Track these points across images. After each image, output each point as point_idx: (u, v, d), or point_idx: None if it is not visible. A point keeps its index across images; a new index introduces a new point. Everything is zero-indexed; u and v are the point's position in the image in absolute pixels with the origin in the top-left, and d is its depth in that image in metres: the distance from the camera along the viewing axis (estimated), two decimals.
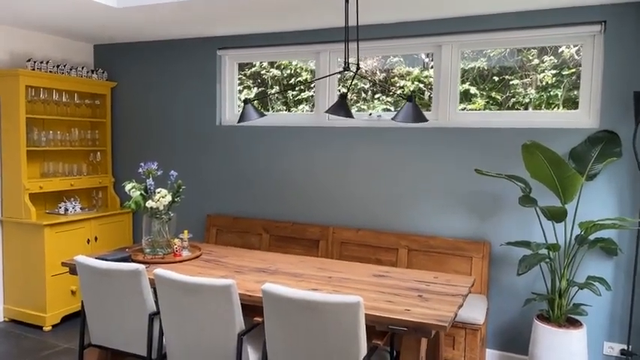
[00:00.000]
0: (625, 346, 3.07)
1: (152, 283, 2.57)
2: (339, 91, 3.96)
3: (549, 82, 3.88)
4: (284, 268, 2.99)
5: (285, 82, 4.87)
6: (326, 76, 3.38)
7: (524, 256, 2.89)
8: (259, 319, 2.42)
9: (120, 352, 2.68)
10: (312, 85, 4.59)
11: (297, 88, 4.76)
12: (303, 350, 2.20)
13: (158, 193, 3.15)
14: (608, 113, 3.05)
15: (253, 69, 4.67)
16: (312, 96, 4.68)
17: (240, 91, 4.51)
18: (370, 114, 3.76)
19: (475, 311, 3.01)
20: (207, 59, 4.27)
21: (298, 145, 3.98)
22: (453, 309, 2.31)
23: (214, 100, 4.29)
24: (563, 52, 3.83)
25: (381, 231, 3.63)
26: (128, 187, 3.20)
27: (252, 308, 2.47)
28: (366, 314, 2.15)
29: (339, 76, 3.94)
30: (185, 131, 4.41)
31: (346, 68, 2.85)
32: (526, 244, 3.03)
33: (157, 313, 2.55)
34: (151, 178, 3.21)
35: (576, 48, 3.77)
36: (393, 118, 2.62)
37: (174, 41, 4.38)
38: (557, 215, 2.81)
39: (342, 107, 2.97)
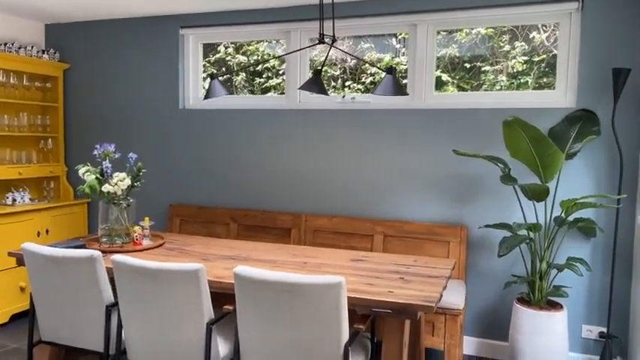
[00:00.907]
0: (603, 329, 3.02)
1: (109, 272, 2.33)
2: (311, 75, 3.79)
3: (520, 69, 3.83)
4: (255, 255, 2.80)
5: (251, 69, 4.66)
6: (299, 50, 3.20)
7: (505, 238, 2.80)
8: (230, 307, 2.23)
9: (74, 349, 2.42)
10: (280, 72, 4.41)
11: (264, 75, 4.56)
12: (280, 338, 2.02)
13: (116, 176, 2.90)
14: (585, 92, 3.01)
15: (218, 55, 4.45)
16: (279, 83, 4.49)
17: (205, 79, 4.28)
18: (344, 96, 3.61)
19: (454, 296, 2.90)
20: (168, 39, 4.02)
21: (268, 129, 3.78)
22: (438, 289, 2.19)
23: (177, 82, 4.05)
24: (534, 37, 3.79)
25: (355, 217, 3.48)
26: (82, 170, 2.93)
27: (220, 297, 2.26)
28: (347, 297, 1.99)
29: (309, 62, 3.77)
30: (145, 116, 4.14)
31: (321, 41, 2.69)
32: (505, 226, 2.94)
33: (115, 304, 2.32)
34: (107, 161, 2.95)
35: (546, 34, 3.74)
36: (372, 92, 2.48)
37: (133, 20, 4.11)
38: (538, 194, 2.73)
39: (315, 84, 2.81)
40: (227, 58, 4.50)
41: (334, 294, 1.91)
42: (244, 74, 4.43)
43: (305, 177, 3.68)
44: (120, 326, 2.30)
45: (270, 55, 4.46)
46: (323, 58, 4.08)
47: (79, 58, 4.31)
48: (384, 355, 2.17)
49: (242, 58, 4.63)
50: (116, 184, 2.86)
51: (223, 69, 4.43)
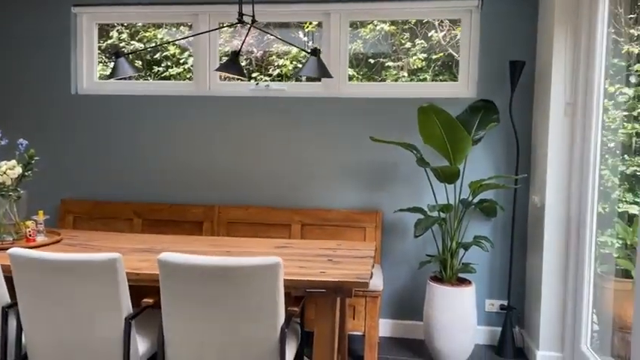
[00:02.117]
0: (503, 302, 3.28)
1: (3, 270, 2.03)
2: (221, 59, 3.66)
3: (419, 65, 4.06)
4: (171, 247, 2.60)
5: (149, 58, 4.39)
6: (215, 30, 3.07)
7: (420, 220, 2.92)
8: (149, 301, 2.05)
9: None
10: (181, 62, 4.20)
11: (162, 64, 4.33)
12: (212, 326, 1.90)
13: (4, 164, 2.54)
14: (484, 83, 3.25)
15: (110, 41, 4.12)
16: (180, 73, 4.27)
17: (100, 62, 3.94)
18: (257, 83, 3.52)
19: (374, 278, 2.96)
20: (59, 17, 3.63)
21: (174, 116, 3.57)
22: (368, 268, 2.21)
23: (69, 65, 3.66)
24: (432, 36, 4.04)
25: (272, 207, 3.41)
26: None
27: (135, 293, 2.08)
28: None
29: (219, 47, 3.62)
30: (33, 102, 3.69)
31: (240, 20, 2.60)
32: (418, 209, 3.08)
33: (13, 305, 2.02)
34: None
35: (443, 33, 4.00)
36: (296, 73, 2.45)
37: None
38: (450, 176, 2.89)
39: (234, 65, 2.71)
40: (121, 45, 4.19)
41: (272, 275, 1.84)
42: (140, 62, 4.16)
43: (217, 167, 3.53)
44: (20, 329, 2.01)
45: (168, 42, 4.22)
46: (228, 48, 3.97)
47: None
48: (317, 338, 2.15)
49: (138, 45, 4.33)
50: (5, 172, 2.51)
51: (113, 57, 4.13)
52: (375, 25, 3.99)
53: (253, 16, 2.63)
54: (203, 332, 1.91)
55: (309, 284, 2.03)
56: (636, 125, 4.36)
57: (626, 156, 3.83)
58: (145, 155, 3.61)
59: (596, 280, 2.79)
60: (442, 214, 3.03)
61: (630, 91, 4.20)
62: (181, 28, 4.33)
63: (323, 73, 2.44)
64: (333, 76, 2.50)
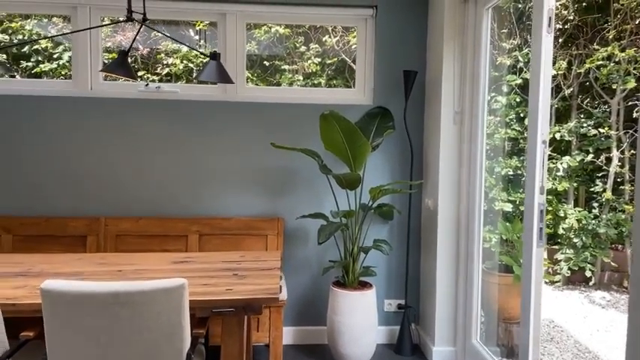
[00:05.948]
0: (400, 301, 3.42)
1: None
2: (104, 56, 3.34)
3: (314, 70, 4.09)
4: (51, 269, 2.32)
5: (15, 51, 3.91)
6: (94, 27, 2.79)
7: (323, 226, 2.92)
8: (29, 334, 1.80)
9: None
10: (55, 57, 3.78)
11: (32, 59, 3.88)
12: (108, 359, 1.70)
13: None
14: (380, 91, 3.34)
15: None
16: (55, 69, 3.86)
17: None
18: (147, 84, 3.27)
19: None
20: None
21: (50, 119, 3.19)
22: (276, 281, 2.15)
23: None
24: (326, 41, 4.09)
25: (166, 218, 3.19)
26: None
27: (10, 325, 1.81)
28: None
29: (103, 42, 3.31)
30: None
31: (130, 18, 2.39)
32: (320, 215, 3.08)
33: None
34: None
35: (336, 38, 4.07)
36: (195, 77, 2.30)
37: None
38: (352, 182, 2.92)
39: (122, 66, 2.48)
40: None
41: (177, 298, 1.70)
42: (5, 55, 3.70)
43: (103, 175, 3.22)
44: None
45: (39, 34, 3.80)
46: (110, 44, 3.65)
47: None
48: (224, 358, 2.04)
49: (1, 37, 3.85)
50: None
51: None
52: (270, 27, 3.93)
53: (144, 14, 2.42)
54: None
55: (215, 304, 1.91)
56: (508, 130, 4.81)
57: (500, 158, 4.20)
58: (14, 162, 3.18)
59: (482, 275, 3.00)
60: (344, 220, 3.06)
61: (504, 99, 4.62)
62: (54, 19, 3.91)
63: (223, 78, 2.32)
64: (234, 81, 2.39)
